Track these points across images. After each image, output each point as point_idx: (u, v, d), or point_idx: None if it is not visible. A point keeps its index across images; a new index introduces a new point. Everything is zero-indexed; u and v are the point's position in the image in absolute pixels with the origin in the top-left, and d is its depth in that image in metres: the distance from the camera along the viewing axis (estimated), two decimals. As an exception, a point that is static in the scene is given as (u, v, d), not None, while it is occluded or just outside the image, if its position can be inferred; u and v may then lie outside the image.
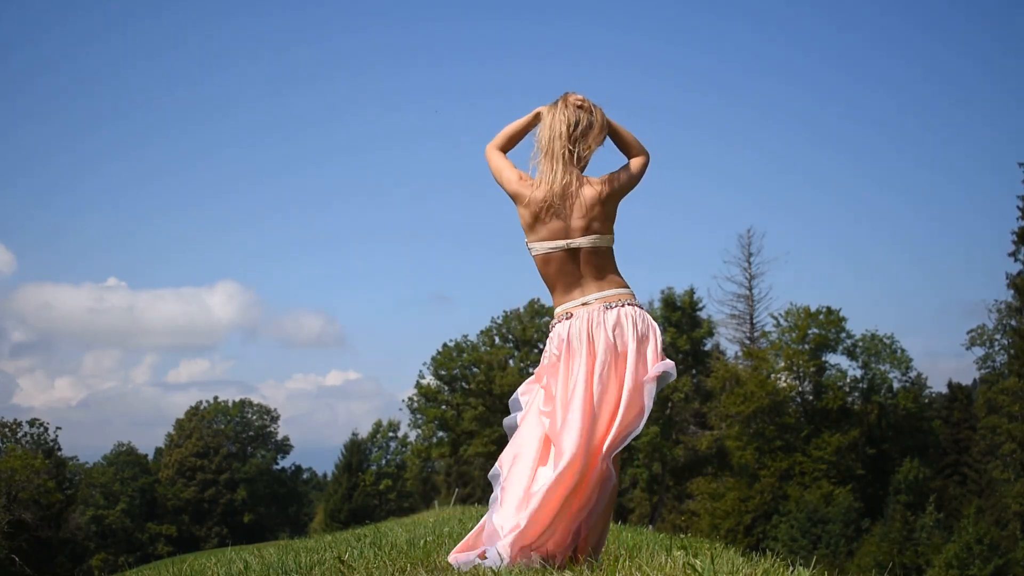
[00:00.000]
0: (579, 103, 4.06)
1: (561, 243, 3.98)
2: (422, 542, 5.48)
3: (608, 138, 4.14)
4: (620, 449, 3.89)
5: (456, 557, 3.94)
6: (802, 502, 36.88)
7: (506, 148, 4.19)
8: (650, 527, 23.83)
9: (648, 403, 3.89)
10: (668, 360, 3.95)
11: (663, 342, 4.04)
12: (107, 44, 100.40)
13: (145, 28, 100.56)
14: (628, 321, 3.96)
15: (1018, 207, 35.93)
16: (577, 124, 4.01)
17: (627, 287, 4.07)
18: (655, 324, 4.04)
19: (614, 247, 4.09)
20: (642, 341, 3.95)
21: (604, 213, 4.01)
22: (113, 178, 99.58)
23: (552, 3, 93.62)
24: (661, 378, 3.91)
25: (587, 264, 4.01)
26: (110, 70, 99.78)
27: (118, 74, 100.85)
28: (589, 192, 3.99)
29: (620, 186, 4.06)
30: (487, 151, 4.20)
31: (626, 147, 4.18)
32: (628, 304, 4.00)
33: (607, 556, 4.18)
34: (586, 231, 3.98)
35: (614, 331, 3.93)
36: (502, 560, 3.66)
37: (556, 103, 4.09)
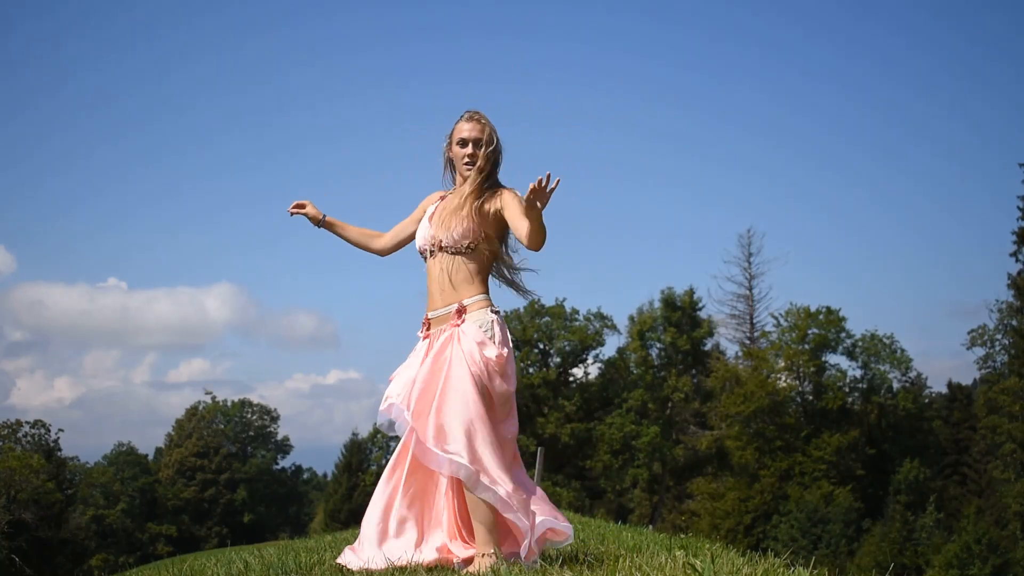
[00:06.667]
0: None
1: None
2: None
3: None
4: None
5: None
6: (802, 502, 36.85)
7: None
8: (650, 527, 23.80)
9: None
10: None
11: None
12: (105, 44, 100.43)
13: (142, 28, 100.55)
14: None
15: (1018, 207, 36.02)
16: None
17: None
18: None
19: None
20: None
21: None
22: (111, 179, 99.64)
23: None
24: None
25: None
26: (108, 70, 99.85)
27: (116, 74, 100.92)
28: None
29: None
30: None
31: None
32: None
33: (607, 556, 4.17)
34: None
35: None
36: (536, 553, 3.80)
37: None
